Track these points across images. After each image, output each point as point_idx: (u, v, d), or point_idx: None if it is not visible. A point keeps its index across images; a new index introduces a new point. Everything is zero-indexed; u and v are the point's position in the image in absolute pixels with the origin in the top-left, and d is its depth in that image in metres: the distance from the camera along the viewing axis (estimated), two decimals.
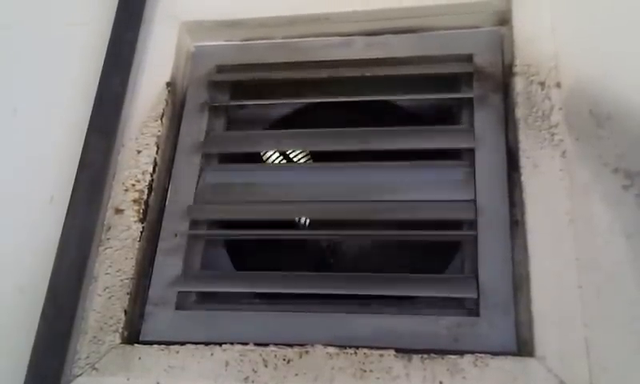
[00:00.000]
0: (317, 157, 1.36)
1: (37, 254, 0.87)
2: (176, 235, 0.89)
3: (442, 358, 0.72)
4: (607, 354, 0.69)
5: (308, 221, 1.36)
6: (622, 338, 0.70)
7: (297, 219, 1.37)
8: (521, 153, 0.80)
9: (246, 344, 0.77)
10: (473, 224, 0.82)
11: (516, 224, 0.80)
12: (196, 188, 0.93)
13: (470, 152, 0.87)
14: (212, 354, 0.77)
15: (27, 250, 0.89)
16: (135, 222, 0.87)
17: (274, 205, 0.90)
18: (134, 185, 0.90)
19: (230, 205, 0.92)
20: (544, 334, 0.71)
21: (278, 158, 1.37)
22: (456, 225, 0.87)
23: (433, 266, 0.88)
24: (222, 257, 0.95)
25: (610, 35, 0.85)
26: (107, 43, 0.97)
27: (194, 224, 0.91)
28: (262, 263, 0.94)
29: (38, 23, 1.08)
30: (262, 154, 1.34)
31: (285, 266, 0.89)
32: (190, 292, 0.88)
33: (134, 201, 0.89)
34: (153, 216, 0.90)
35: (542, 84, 0.84)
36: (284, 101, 1.00)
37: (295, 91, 1.00)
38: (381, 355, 0.73)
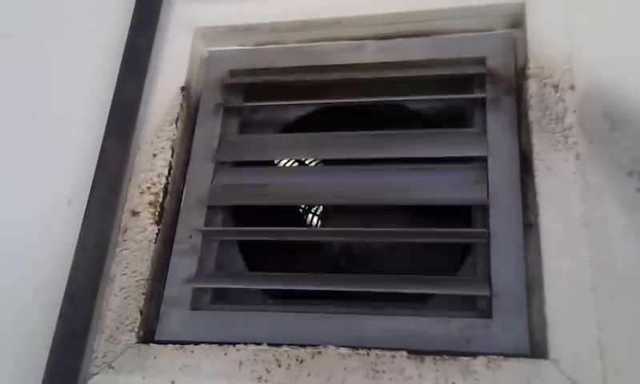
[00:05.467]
0: (328, 160, 1.37)
1: (55, 256, 0.88)
2: (191, 237, 0.90)
3: (455, 360, 0.72)
4: (621, 356, 0.69)
5: (320, 223, 1.37)
6: (636, 341, 0.69)
7: (309, 222, 1.39)
8: (534, 155, 0.80)
9: (260, 344, 0.78)
10: (486, 226, 0.82)
11: (529, 226, 0.80)
12: (210, 190, 0.94)
13: (483, 155, 0.86)
14: (226, 354, 0.78)
15: (46, 252, 0.90)
16: (151, 224, 0.89)
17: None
18: (149, 188, 0.91)
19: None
20: (557, 336, 0.70)
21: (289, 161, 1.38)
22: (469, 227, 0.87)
23: (445, 267, 0.88)
24: (235, 258, 0.96)
25: (625, 38, 0.85)
26: (123, 49, 0.98)
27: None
28: (275, 267, 0.94)
29: (55, 31, 1.10)
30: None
31: (297, 269, 0.90)
32: (205, 293, 0.89)
33: (150, 203, 0.90)
34: (168, 218, 0.92)
35: (556, 87, 0.83)
36: (296, 102, 1.01)
37: (307, 95, 1.00)
38: (393, 356, 0.74)
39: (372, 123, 0.98)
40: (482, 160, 0.86)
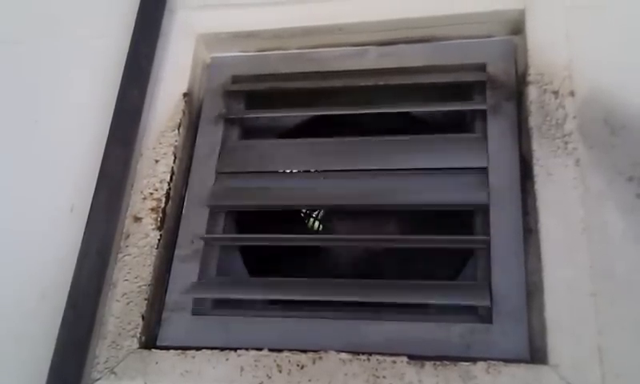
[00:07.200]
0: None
1: (58, 262, 0.89)
2: (192, 242, 0.91)
3: (455, 365, 0.72)
4: (621, 361, 0.69)
5: (321, 226, 1.37)
6: (636, 346, 0.70)
7: (309, 225, 1.39)
8: (534, 161, 0.80)
9: (261, 349, 0.78)
10: (486, 231, 0.82)
11: (529, 232, 0.80)
12: (211, 195, 0.94)
13: (483, 160, 0.87)
14: (227, 359, 0.78)
15: (49, 258, 0.91)
16: (153, 229, 0.89)
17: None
18: (151, 193, 0.91)
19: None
20: (557, 341, 0.71)
21: None
22: (469, 232, 0.87)
23: (446, 270, 0.88)
24: (237, 263, 0.96)
25: (624, 44, 0.85)
26: (126, 56, 0.99)
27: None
28: (275, 267, 0.95)
29: (58, 37, 1.10)
30: None
31: (298, 269, 0.90)
32: (206, 298, 0.89)
33: (152, 209, 0.90)
34: (170, 224, 0.92)
35: (556, 93, 0.84)
36: (296, 114, 1.02)
37: (309, 101, 1.01)
38: (394, 362, 0.74)
39: (374, 125, 0.99)
40: (483, 165, 0.87)
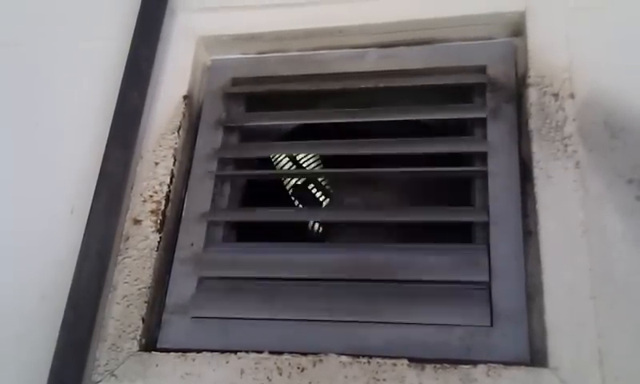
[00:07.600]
0: (328, 162, 1.37)
1: (58, 264, 0.89)
2: (192, 244, 0.91)
3: (455, 368, 0.72)
4: (621, 364, 0.69)
5: (321, 229, 1.36)
6: (636, 349, 0.70)
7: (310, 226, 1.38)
8: (534, 163, 0.80)
9: (261, 352, 0.78)
10: (485, 234, 0.83)
11: (529, 234, 0.80)
12: (212, 198, 0.94)
13: (483, 163, 0.87)
14: (227, 362, 0.78)
15: (49, 260, 0.91)
16: (153, 232, 0.89)
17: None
18: (151, 196, 0.92)
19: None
20: (557, 344, 0.71)
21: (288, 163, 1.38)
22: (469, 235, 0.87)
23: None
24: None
25: (624, 46, 0.85)
26: (126, 58, 0.99)
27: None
28: None
29: (59, 39, 1.10)
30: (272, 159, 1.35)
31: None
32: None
33: (152, 211, 0.90)
34: (170, 226, 0.92)
35: (556, 95, 0.84)
36: (296, 122, 1.02)
37: (309, 103, 1.01)
38: (394, 365, 0.74)
39: (373, 128, 0.99)
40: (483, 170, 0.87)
